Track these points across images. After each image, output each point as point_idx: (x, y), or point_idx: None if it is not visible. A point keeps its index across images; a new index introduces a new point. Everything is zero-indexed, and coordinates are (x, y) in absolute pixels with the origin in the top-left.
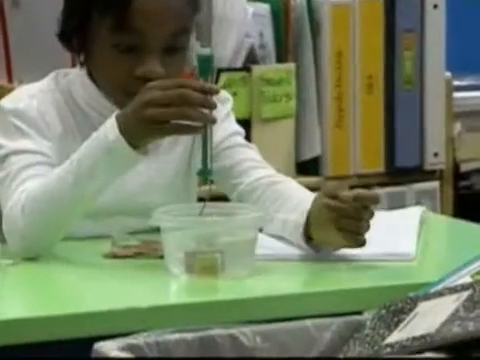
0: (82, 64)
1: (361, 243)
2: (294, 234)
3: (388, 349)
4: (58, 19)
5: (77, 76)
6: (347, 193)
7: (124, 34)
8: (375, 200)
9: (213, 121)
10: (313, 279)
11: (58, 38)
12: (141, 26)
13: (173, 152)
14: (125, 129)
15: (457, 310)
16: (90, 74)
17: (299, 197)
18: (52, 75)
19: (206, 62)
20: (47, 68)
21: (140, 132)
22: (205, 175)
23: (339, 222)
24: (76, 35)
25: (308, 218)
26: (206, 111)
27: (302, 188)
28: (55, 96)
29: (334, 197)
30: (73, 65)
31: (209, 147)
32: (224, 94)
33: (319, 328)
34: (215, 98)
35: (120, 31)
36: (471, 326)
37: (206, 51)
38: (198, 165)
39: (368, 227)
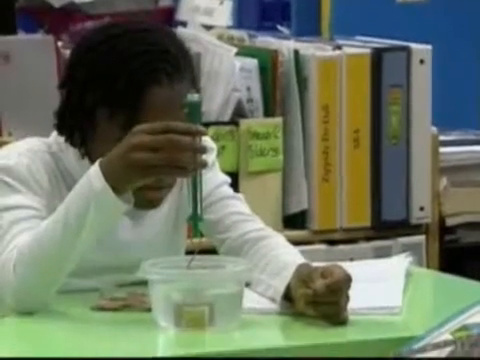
0: (83, 156)
1: (342, 321)
2: (276, 299)
3: None
4: (56, 113)
5: (70, 150)
6: (319, 284)
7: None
8: (347, 281)
9: (203, 166)
10: (299, 332)
11: (57, 131)
12: (152, 121)
13: (161, 207)
14: (110, 174)
15: None
16: (87, 154)
17: (283, 260)
18: (41, 139)
19: (195, 108)
20: (36, 121)
21: (126, 176)
22: (195, 220)
23: (318, 309)
24: (79, 131)
25: (288, 288)
26: (196, 155)
27: (287, 245)
28: (45, 157)
29: (308, 286)
30: None
31: (199, 192)
32: (208, 143)
33: None
34: None
35: (130, 127)
36: None
37: (194, 97)
38: (188, 211)
39: (347, 302)
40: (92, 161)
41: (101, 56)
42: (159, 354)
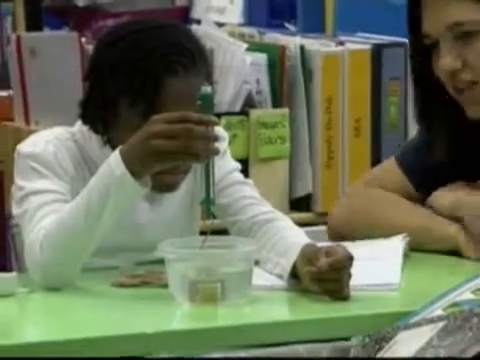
0: (105, 143)
1: (344, 297)
2: (283, 276)
3: None
4: (80, 103)
5: (93, 138)
6: (323, 262)
7: None
8: (349, 260)
9: (215, 153)
10: (304, 308)
11: (81, 120)
12: (169, 111)
13: (177, 191)
14: (130, 160)
15: (432, 339)
16: (109, 142)
17: (290, 240)
18: (66, 128)
19: (207, 99)
20: (61, 111)
21: (144, 162)
22: (208, 204)
23: (322, 285)
24: (102, 120)
25: (295, 266)
26: (209, 143)
27: (294, 227)
28: (69, 145)
29: (313, 264)
30: None
31: (211, 177)
32: (221, 132)
33: (310, 353)
34: None
35: (149, 116)
36: (442, 353)
37: (207, 90)
38: (202, 196)
39: (349, 279)
40: (113, 148)
41: (122, 50)
42: (174, 327)
